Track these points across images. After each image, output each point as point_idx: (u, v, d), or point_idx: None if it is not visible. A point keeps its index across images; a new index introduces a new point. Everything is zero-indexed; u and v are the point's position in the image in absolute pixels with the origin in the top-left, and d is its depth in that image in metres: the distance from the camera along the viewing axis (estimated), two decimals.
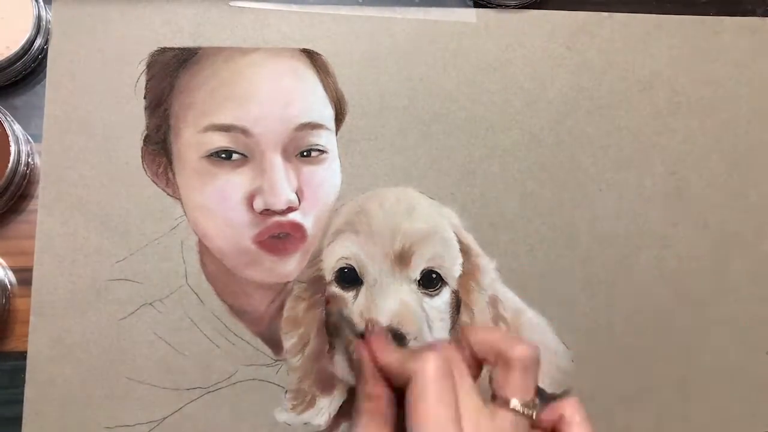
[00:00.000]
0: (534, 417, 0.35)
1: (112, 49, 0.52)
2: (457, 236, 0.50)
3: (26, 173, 0.49)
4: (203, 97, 0.50)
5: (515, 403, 0.34)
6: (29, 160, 0.49)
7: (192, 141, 0.49)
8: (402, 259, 0.47)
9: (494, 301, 0.50)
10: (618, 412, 0.51)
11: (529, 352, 0.36)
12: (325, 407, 0.48)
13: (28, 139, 0.50)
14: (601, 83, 0.56)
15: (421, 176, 0.53)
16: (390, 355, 0.37)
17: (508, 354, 0.35)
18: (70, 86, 0.51)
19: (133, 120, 0.51)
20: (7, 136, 0.47)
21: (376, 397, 0.36)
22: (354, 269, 0.48)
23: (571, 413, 0.36)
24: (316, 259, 0.49)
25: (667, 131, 0.56)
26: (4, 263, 0.49)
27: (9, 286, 0.48)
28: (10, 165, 0.47)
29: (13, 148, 0.47)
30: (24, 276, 0.48)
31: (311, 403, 0.48)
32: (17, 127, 0.49)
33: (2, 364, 0.47)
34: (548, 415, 0.37)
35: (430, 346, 0.36)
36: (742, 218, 0.55)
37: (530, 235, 0.53)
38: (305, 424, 0.48)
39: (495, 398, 0.35)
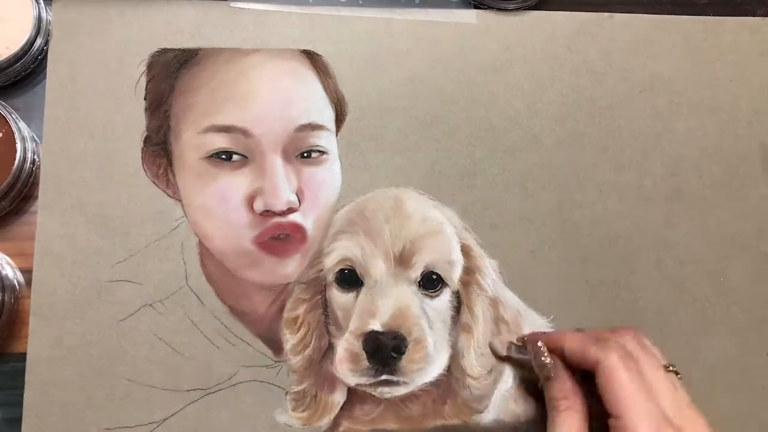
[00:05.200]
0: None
1: (112, 49, 0.52)
2: (458, 237, 0.50)
3: (32, 171, 0.49)
4: (203, 98, 0.50)
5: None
6: (35, 157, 0.49)
7: (192, 142, 0.49)
8: (402, 260, 0.47)
9: (495, 303, 0.50)
10: None
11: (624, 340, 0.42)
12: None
13: (33, 137, 0.50)
14: (601, 84, 0.56)
15: (421, 177, 0.53)
16: (572, 340, 0.43)
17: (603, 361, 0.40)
18: (70, 87, 0.51)
19: (133, 121, 0.51)
20: (13, 134, 0.47)
21: (572, 394, 0.41)
22: (354, 270, 0.48)
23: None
24: (316, 260, 0.49)
25: (668, 132, 0.56)
26: (13, 263, 0.49)
27: (17, 287, 0.48)
28: (16, 163, 0.47)
29: (19, 146, 0.47)
30: (30, 277, 0.48)
31: (312, 404, 0.48)
32: (23, 125, 0.49)
33: (3, 365, 0.47)
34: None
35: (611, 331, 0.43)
36: (742, 219, 0.55)
37: (531, 236, 0.53)
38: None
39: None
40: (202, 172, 0.49)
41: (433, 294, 0.48)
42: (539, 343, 0.44)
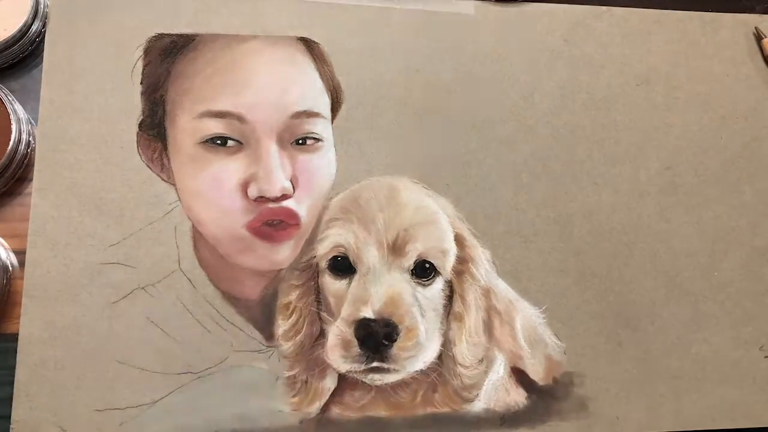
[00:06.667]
0: None
1: (109, 34, 0.52)
2: (451, 227, 0.50)
3: (27, 153, 0.49)
4: (199, 84, 0.50)
5: None
6: (30, 139, 0.49)
7: (187, 127, 0.49)
8: (396, 248, 0.47)
9: (487, 292, 0.50)
10: (609, 404, 0.51)
11: None
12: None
13: (29, 119, 0.50)
14: (598, 77, 0.57)
15: (416, 166, 0.53)
16: None
17: None
18: (67, 70, 0.51)
19: (129, 105, 0.51)
20: (8, 115, 0.48)
21: None
22: (347, 257, 0.48)
23: None
24: (309, 246, 0.49)
25: (664, 126, 0.56)
26: (6, 245, 0.49)
27: (10, 268, 0.48)
28: (11, 145, 0.47)
29: (14, 128, 0.47)
30: (23, 259, 0.48)
31: (302, 390, 0.48)
32: (18, 107, 0.49)
33: None
34: None
35: None
36: (736, 214, 0.55)
37: (524, 226, 0.53)
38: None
39: None
40: (196, 157, 0.49)
41: (426, 282, 0.48)
42: None
